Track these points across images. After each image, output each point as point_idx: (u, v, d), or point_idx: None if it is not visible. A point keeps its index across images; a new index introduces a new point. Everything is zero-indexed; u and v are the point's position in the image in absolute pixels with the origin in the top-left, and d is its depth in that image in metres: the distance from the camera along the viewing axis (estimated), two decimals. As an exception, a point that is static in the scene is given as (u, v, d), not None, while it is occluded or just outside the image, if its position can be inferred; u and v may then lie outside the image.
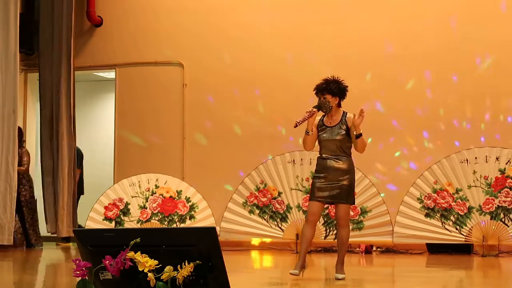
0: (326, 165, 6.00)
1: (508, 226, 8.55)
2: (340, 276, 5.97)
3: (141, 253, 3.63)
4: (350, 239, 8.98)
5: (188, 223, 9.57)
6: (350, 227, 8.95)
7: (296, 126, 5.89)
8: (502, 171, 8.63)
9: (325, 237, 9.09)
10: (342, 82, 6.07)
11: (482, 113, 9.36)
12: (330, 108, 5.99)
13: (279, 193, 9.26)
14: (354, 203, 6.17)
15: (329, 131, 6.03)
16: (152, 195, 9.72)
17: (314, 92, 6.08)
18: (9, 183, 9.24)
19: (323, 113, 6.05)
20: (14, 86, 9.29)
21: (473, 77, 9.41)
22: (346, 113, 6.08)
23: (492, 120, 9.32)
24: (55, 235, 10.20)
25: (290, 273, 5.88)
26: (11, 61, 9.29)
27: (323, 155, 6.04)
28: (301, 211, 9.10)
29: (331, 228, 9.01)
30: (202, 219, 9.58)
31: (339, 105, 6.08)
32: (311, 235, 6.02)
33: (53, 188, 10.12)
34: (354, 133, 5.90)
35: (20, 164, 9.51)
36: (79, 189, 10.63)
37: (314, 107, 5.98)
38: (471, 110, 9.39)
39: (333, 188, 5.95)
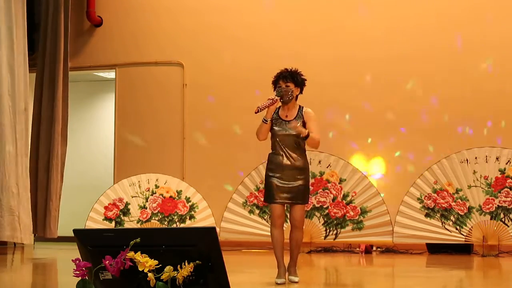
0: (282, 163, 5.73)
1: (508, 226, 8.56)
2: (296, 279, 5.72)
3: (141, 253, 3.63)
4: (350, 239, 9.12)
5: (188, 223, 9.57)
6: (350, 227, 9.02)
7: (257, 112, 5.57)
8: (502, 171, 8.64)
9: (325, 237, 9.09)
10: (303, 74, 5.83)
11: (483, 114, 9.36)
12: (291, 98, 5.73)
13: (279, 193, 9.25)
14: (308, 202, 5.94)
15: (285, 125, 5.76)
16: (152, 195, 9.72)
17: (274, 79, 5.81)
18: (24, 182, 9.23)
19: (282, 103, 5.74)
20: (25, 84, 9.31)
21: (474, 79, 9.41)
22: (303, 107, 5.82)
23: (493, 122, 9.32)
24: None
25: (277, 283, 5.65)
26: (21, 60, 9.32)
27: (277, 151, 5.78)
28: (301, 211, 9.09)
29: (331, 228, 9.01)
30: (202, 219, 9.58)
31: (296, 98, 5.82)
32: (283, 238, 5.80)
33: (46, 189, 10.06)
34: (301, 136, 5.64)
35: None
36: None
37: (277, 95, 5.71)
38: (471, 111, 9.39)
39: (291, 189, 5.71)
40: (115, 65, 10.83)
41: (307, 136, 5.63)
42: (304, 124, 5.72)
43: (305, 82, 5.83)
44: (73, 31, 10.75)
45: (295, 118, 5.76)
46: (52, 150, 10.04)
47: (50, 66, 10.18)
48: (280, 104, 5.78)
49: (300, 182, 5.73)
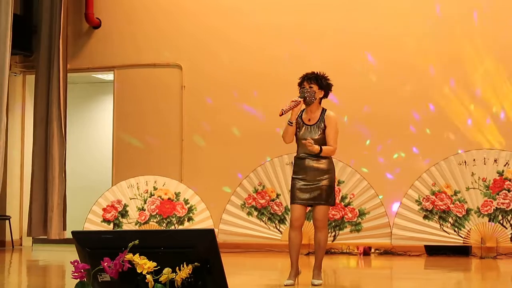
0: (305, 165, 5.77)
1: (506, 228, 8.56)
2: (316, 282, 5.67)
3: (140, 255, 3.62)
4: (348, 241, 9.11)
5: (187, 225, 9.57)
6: (349, 229, 9.02)
7: (281, 114, 5.61)
8: (500, 173, 8.64)
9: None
10: (329, 79, 5.87)
11: (481, 115, 9.37)
12: (314, 100, 5.76)
13: (278, 195, 9.27)
14: (334, 204, 5.88)
15: (307, 129, 5.79)
16: (150, 197, 9.72)
17: (299, 81, 5.84)
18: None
19: (305, 105, 5.78)
20: (2, 85, 9.27)
21: (471, 80, 9.42)
22: (326, 110, 5.84)
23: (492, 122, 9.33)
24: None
25: (285, 285, 5.61)
26: (1, 59, 9.27)
27: (301, 154, 5.81)
28: (299, 213, 9.09)
29: (330, 230, 9.01)
30: (201, 221, 9.58)
31: (320, 102, 5.85)
32: (300, 241, 5.76)
33: (44, 190, 10.05)
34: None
35: None
36: None
37: (300, 96, 5.75)
38: (470, 111, 9.39)
39: (313, 189, 5.71)
40: (114, 67, 10.82)
41: (320, 152, 5.69)
42: (324, 129, 5.76)
43: (331, 86, 5.87)
44: (71, 33, 10.75)
45: (317, 122, 5.79)
46: (50, 151, 10.04)
47: (48, 67, 10.19)
48: (304, 106, 5.81)
49: (323, 183, 5.74)
